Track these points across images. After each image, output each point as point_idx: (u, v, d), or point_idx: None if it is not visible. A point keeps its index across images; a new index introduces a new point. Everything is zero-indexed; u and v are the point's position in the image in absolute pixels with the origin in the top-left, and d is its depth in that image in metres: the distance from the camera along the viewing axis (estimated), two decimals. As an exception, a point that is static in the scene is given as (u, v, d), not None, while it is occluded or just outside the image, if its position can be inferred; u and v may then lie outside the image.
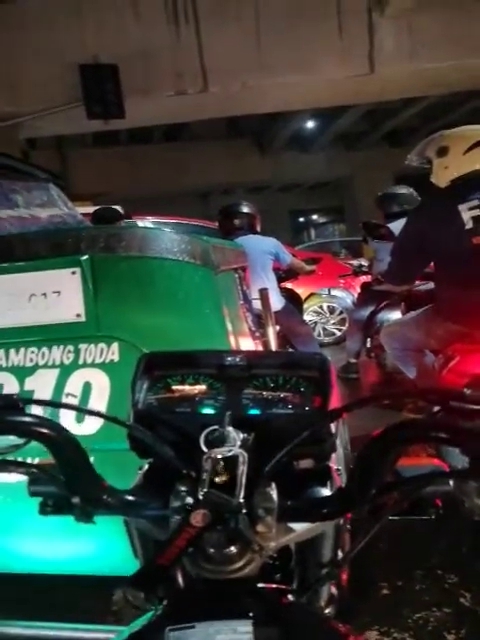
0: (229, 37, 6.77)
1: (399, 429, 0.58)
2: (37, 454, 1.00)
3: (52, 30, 6.60)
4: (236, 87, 7.12)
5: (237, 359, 0.70)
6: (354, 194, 17.04)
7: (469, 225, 2.19)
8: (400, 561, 2.01)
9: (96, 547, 1.36)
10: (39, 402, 0.69)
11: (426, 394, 0.61)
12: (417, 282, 2.88)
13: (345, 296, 6.44)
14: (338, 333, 6.32)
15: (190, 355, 0.72)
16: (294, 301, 4.23)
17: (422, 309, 2.61)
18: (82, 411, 0.72)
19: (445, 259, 2.37)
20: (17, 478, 0.64)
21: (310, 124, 14.79)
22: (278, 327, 2.87)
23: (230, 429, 0.60)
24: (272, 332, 2.18)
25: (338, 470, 0.68)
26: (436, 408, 0.58)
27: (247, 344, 1.65)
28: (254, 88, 7.20)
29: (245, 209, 3.76)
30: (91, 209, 4.17)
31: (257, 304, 2.24)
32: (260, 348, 1.90)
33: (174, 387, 0.69)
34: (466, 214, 2.20)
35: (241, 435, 0.60)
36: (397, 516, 0.60)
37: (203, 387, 0.69)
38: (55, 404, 0.78)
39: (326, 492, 0.62)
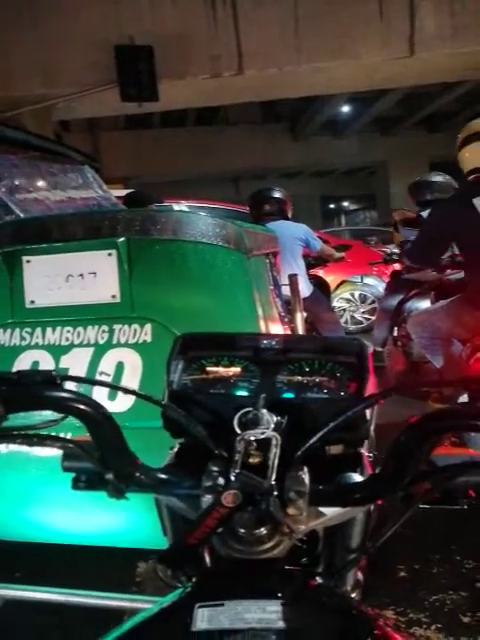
0: (267, 20, 6.67)
1: (437, 417, 0.57)
2: (69, 430, 1.03)
3: (88, 11, 6.60)
4: (272, 71, 7.02)
5: (273, 342, 0.70)
6: (387, 180, 16.74)
7: None
8: (419, 545, 2.02)
9: (123, 521, 1.40)
10: (78, 379, 0.70)
11: (465, 382, 0.60)
12: (448, 271, 2.88)
13: (377, 284, 6.34)
14: (365, 322, 6.25)
15: (226, 337, 0.73)
16: (322, 288, 4.21)
17: (452, 298, 2.61)
18: (120, 390, 0.72)
19: (470, 250, 2.43)
20: (45, 452, 0.65)
21: (345, 108, 14.53)
22: (305, 313, 2.86)
23: (264, 412, 0.60)
24: (300, 318, 2.18)
25: (369, 456, 0.68)
26: (466, 396, 0.58)
27: (276, 329, 1.66)
28: (290, 72, 7.09)
29: (277, 194, 3.74)
30: (122, 192, 4.20)
31: (286, 290, 2.24)
32: (288, 333, 1.90)
33: (209, 368, 0.70)
34: None
35: (275, 418, 0.61)
36: (428, 505, 0.59)
37: (238, 369, 0.69)
38: (93, 382, 0.80)
39: (357, 478, 0.62)
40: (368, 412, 0.64)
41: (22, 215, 1.84)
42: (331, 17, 6.65)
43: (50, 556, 1.64)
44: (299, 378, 0.68)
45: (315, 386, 0.67)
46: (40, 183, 2.04)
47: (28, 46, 6.59)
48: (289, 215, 3.77)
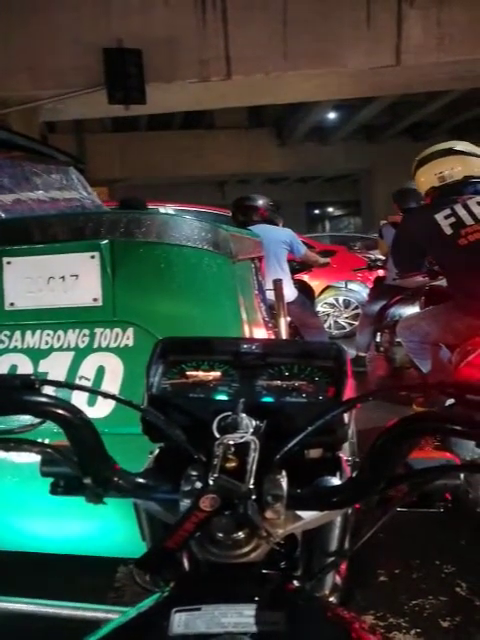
0: (255, 25, 6.70)
1: (415, 420, 0.57)
2: (47, 436, 1.02)
3: (76, 12, 6.57)
4: (259, 76, 7.05)
5: (252, 347, 0.71)
6: (372, 187, 16.89)
7: (448, 231, 2.41)
8: (399, 550, 2.03)
9: (99, 529, 1.38)
10: (56, 383, 0.70)
11: (443, 386, 0.61)
12: (440, 277, 2.95)
13: (361, 290, 6.39)
14: (349, 327, 6.29)
15: (205, 341, 0.73)
16: (306, 293, 4.23)
17: (442, 304, 2.66)
18: (99, 394, 0.72)
19: (442, 260, 2.57)
20: (21, 459, 0.65)
21: (331, 115, 14.64)
22: (289, 318, 2.87)
23: (243, 416, 0.61)
24: (283, 323, 2.19)
25: (348, 460, 0.68)
26: (450, 401, 0.58)
27: (260, 334, 1.66)
28: (277, 78, 7.13)
29: (260, 201, 3.76)
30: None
31: (270, 294, 2.25)
32: (268, 338, 1.91)
33: (189, 373, 0.70)
34: (443, 222, 2.43)
35: (254, 422, 0.61)
36: (406, 508, 0.60)
37: (218, 373, 0.69)
38: (73, 386, 0.79)
39: (335, 481, 0.62)
40: (346, 416, 0.64)
41: (3, 215, 1.82)
42: (319, 24, 6.70)
43: (23, 565, 1.62)
44: (278, 382, 0.68)
45: (294, 390, 0.67)
46: (23, 183, 2.02)
47: (16, 46, 6.55)
48: (280, 224, 3.78)
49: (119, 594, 1.78)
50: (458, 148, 2.57)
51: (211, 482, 0.55)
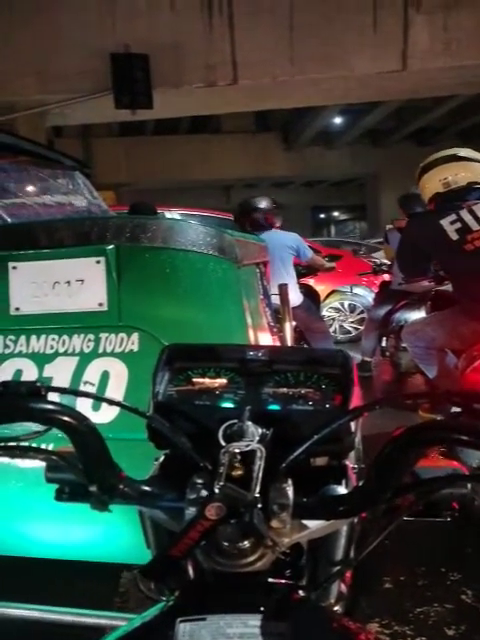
0: (262, 30, 6.73)
1: (422, 430, 0.57)
2: (52, 441, 1.02)
3: (84, 17, 6.62)
4: (266, 81, 7.07)
5: (259, 354, 0.71)
6: (377, 192, 16.88)
7: (454, 237, 2.41)
8: (404, 558, 2.02)
9: (104, 534, 1.38)
10: (62, 390, 0.69)
11: (450, 395, 0.60)
12: (446, 282, 2.93)
13: (366, 294, 6.37)
14: (354, 332, 6.27)
15: (212, 348, 0.73)
16: (312, 297, 4.22)
17: (448, 309, 2.65)
18: (105, 401, 0.72)
19: (447, 266, 2.58)
20: (25, 464, 0.64)
21: (337, 120, 14.67)
22: (294, 323, 2.87)
23: (249, 424, 0.60)
24: (289, 328, 2.19)
25: (354, 468, 0.68)
26: (456, 409, 0.58)
27: (265, 339, 1.66)
28: (284, 82, 7.15)
29: (263, 203, 3.74)
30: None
31: (276, 299, 2.24)
32: (277, 343, 1.90)
33: (195, 380, 0.70)
34: (448, 228, 2.43)
35: (260, 430, 0.61)
36: (412, 517, 0.59)
37: (224, 381, 0.69)
38: (79, 393, 0.78)
39: (342, 490, 0.62)
40: (353, 424, 0.64)
41: (9, 220, 1.83)
42: (325, 29, 6.73)
43: (26, 570, 1.62)
44: (284, 390, 0.68)
45: (300, 398, 0.67)
46: (29, 188, 2.03)
47: (23, 51, 6.60)
48: (277, 225, 3.77)
49: (123, 600, 1.77)
50: (462, 154, 2.59)
51: (217, 490, 0.55)
